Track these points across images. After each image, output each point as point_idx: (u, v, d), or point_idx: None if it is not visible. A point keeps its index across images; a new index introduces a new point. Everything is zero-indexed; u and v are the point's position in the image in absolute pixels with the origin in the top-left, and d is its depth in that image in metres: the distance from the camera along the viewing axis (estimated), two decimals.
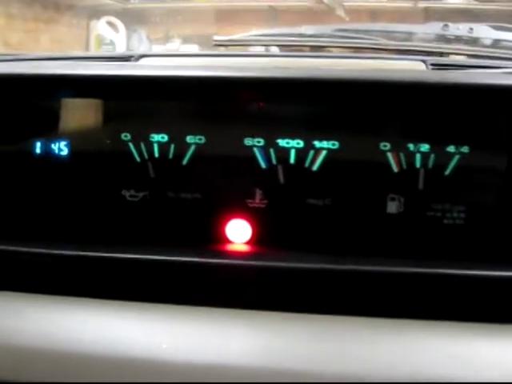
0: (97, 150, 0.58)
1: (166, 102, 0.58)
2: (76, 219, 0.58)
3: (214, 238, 0.57)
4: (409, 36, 0.95)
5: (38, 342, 0.50)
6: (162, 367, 0.48)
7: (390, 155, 0.55)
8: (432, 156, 0.54)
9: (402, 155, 0.54)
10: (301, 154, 0.55)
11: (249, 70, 0.55)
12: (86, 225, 0.58)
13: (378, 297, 0.52)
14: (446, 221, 0.55)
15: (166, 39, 2.36)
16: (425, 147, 0.54)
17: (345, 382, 0.47)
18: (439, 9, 2.15)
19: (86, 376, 0.49)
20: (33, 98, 0.59)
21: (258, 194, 0.57)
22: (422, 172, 0.55)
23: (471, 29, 0.92)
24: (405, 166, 0.55)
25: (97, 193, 0.58)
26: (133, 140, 0.57)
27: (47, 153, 0.58)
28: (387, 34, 0.93)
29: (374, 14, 2.33)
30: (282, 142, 0.56)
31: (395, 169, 0.55)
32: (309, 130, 0.56)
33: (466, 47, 0.90)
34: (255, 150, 0.56)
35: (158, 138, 0.57)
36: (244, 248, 0.56)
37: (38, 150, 0.58)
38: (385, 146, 0.55)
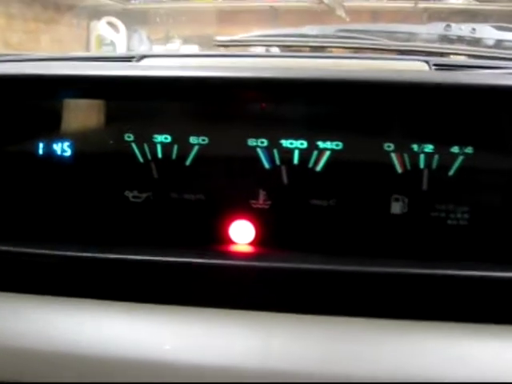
0: (100, 151, 0.58)
1: (169, 102, 0.58)
2: (79, 220, 0.58)
3: (218, 239, 0.57)
4: (411, 36, 0.95)
5: (37, 342, 0.50)
6: (165, 368, 0.48)
7: (393, 156, 0.55)
8: (436, 157, 0.54)
9: (405, 156, 0.54)
10: (304, 154, 0.55)
11: (252, 71, 0.55)
12: (89, 226, 0.58)
13: (382, 298, 0.52)
14: (449, 221, 0.55)
15: (167, 39, 2.35)
16: (429, 148, 0.54)
17: (347, 383, 0.47)
18: (440, 9, 2.15)
19: (86, 377, 0.49)
20: (36, 98, 0.59)
21: (262, 194, 0.56)
22: (425, 173, 0.54)
23: (474, 29, 0.92)
24: (409, 167, 0.55)
25: (100, 194, 0.58)
26: (136, 141, 0.57)
27: (50, 153, 0.58)
28: (390, 35, 0.93)
29: (375, 14, 2.33)
30: (285, 143, 0.55)
31: (399, 169, 0.55)
32: (312, 131, 0.55)
33: (468, 48, 0.90)
34: (259, 150, 0.56)
35: (161, 138, 0.57)
36: (247, 249, 0.56)
37: (40, 151, 0.58)
38: (389, 146, 0.55)
